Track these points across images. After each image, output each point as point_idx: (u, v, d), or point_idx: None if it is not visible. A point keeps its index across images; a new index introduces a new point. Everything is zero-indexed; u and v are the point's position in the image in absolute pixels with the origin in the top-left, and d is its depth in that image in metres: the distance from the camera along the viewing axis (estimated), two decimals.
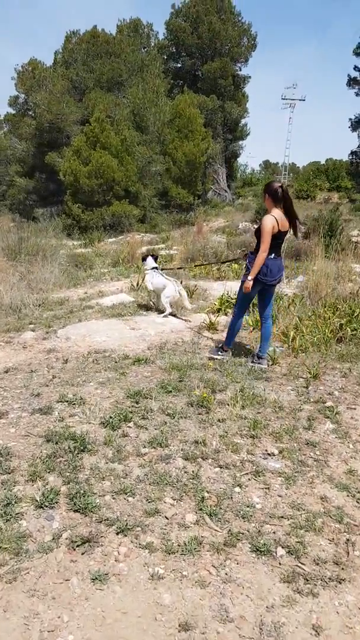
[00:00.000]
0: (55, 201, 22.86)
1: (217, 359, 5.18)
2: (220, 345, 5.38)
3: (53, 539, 2.58)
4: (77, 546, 2.52)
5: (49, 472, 3.15)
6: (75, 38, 24.97)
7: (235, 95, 31.59)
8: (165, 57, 30.61)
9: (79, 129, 20.49)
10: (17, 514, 2.75)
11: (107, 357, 5.37)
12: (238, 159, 39.17)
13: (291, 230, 4.95)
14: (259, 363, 5.10)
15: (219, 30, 28.94)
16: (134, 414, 3.92)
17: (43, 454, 3.36)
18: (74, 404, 4.14)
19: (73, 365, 5.22)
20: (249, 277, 4.78)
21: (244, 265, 5.20)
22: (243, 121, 33.88)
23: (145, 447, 3.45)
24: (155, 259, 7.40)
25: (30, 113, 25.29)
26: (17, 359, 5.52)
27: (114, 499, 2.91)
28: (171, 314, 6.99)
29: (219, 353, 5.27)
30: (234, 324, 5.23)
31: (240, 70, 32.55)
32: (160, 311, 7.13)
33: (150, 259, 7.32)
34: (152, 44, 28.27)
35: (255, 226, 5.79)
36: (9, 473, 3.16)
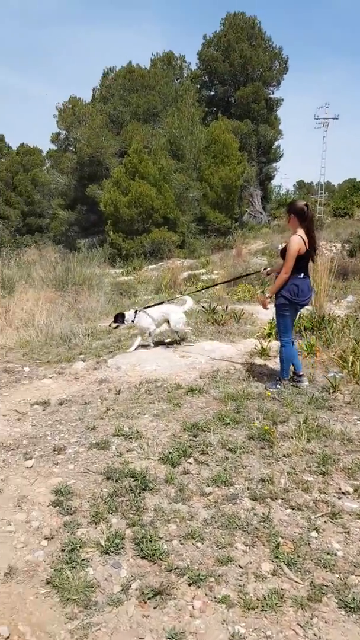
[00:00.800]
0: (96, 231, 23.40)
1: (273, 391, 4.96)
2: (277, 378, 5.12)
3: (122, 589, 2.44)
4: (149, 598, 2.37)
5: (111, 513, 3.03)
6: (111, 74, 25.92)
7: (268, 119, 31.79)
8: (199, 86, 31.22)
9: (118, 161, 21.05)
10: (82, 560, 2.63)
11: (159, 387, 5.26)
12: (272, 181, 39.25)
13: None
14: (274, 386, 4.99)
15: (250, 57, 29.34)
16: (193, 448, 3.77)
17: (104, 492, 3.25)
18: (131, 437, 4.03)
19: (126, 396, 5.14)
20: (267, 294, 4.82)
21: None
22: (276, 143, 34.06)
23: (209, 485, 3.28)
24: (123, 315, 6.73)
25: (71, 148, 26.27)
26: (70, 390, 5.50)
27: (182, 544, 2.74)
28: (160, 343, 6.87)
29: (277, 386, 5.00)
30: (285, 354, 5.00)
31: (273, 93, 32.89)
32: (170, 341, 6.92)
33: (126, 315, 6.70)
34: (185, 75, 28.96)
35: (281, 246, 5.67)
36: (71, 514, 3.06)
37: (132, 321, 6.68)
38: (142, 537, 2.75)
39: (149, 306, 6.91)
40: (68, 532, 2.88)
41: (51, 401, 5.12)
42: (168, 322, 6.71)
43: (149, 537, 2.75)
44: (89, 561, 2.63)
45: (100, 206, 19.84)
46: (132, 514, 3.00)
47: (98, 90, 26.26)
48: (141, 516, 2.98)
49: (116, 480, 3.37)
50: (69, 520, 2.98)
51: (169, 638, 2.16)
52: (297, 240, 4.57)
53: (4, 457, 3.83)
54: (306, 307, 5.41)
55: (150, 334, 6.75)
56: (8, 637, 2.17)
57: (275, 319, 5.18)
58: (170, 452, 3.67)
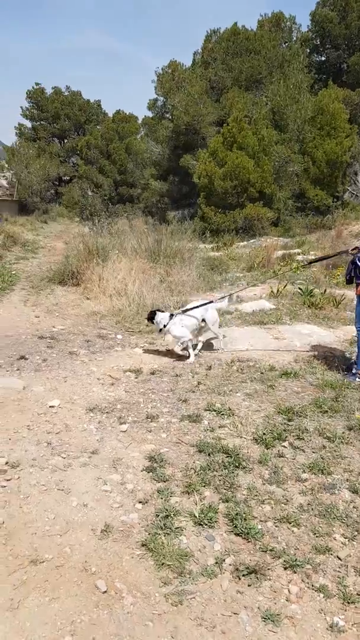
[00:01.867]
0: (186, 204, 23.31)
1: (357, 382, 4.71)
2: (355, 372, 4.82)
3: (216, 562, 2.46)
4: (243, 575, 2.37)
5: (204, 486, 3.05)
6: (215, 37, 25.10)
7: None
8: (309, 51, 29.51)
9: (215, 130, 20.58)
10: (176, 528, 2.68)
11: (252, 367, 5.20)
12: None
13: None
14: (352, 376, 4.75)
15: None
16: (288, 432, 3.69)
17: (196, 465, 3.28)
18: (223, 414, 4.03)
19: (217, 372, 5.14)
20: None
21: (352, 273, 4.79)
22: None
23: (304, 471, 3.21)
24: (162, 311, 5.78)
25: (168, 116, 26.04)
26: (161, 361, 5.59)
27: (276, 526, 2.71)
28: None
29: (357, 379, 4.74)
30: None
31: None
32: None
33: (159, 315, 5.66)
34: (294, 38, 27.40)
35: None
36: (165, 481, 3.12)
37: (164, 326, 5.58)
38: (236, 514, 2.75)
39: (190, 308, 5.74)
40: (162, 498, 2.94)
41: (143, 370, 5.25)
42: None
43: (243, 515, 2.75)
44: (182, 530, 2.68)
45: (193, 178, 19.62)
46: (225, 489, 3.01)
47: (199, 54, 25.59)
48: (234, 493, 2.98)
49: (209, 455, 3.39)
50: (163, 487, 3.05)
51: (264, 618, 2.15)
52: None
53: (99, 419, 3.99)
54: None
55: (185, 346, 5.67)
56: (105, 592, 2.27)
57: (357, 307, 4.86)
58: (264, 434, 3.62)
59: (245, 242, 16.13)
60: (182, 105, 21.15)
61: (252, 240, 16.26)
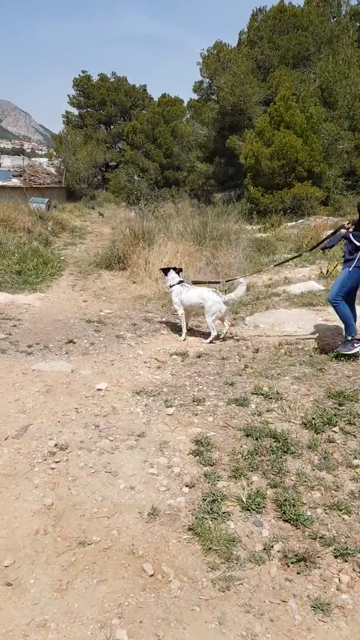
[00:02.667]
0: (233, 185, 22.94)
1: (352, 353, 4.62)
2: (350, 338, 4.69)
3: (264, 549, 2.41)
4: (292, 563, 2.31)
5: (251, 471, 3.00)
6: (261, 15, 24.37)
7: None
8: (359, 25, 28.15)
9: (262, 110, 20.06)
10: (223, 512, 2.65)
11: (300, 350, 5.06)
12: None
13: None
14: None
15: None
16: (338, 417, 3.56)
17: (244, 449, 3.23)
18: (271, 398, 3.94)
19: (264, 355, 5.04)
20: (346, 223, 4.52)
21: (347, 248, 4.62)
22: None
23: (356, 457, 3.08)
24: (179, 272, 6.02)
25: (213, 97, 25.61)
26: (207, 344, 5.54)
27: (326, 513, 2.62)
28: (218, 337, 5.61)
29: (355, 345, 4.64)
30: (342, 311, 4.69)
31: None
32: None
33: (172, 273, 5.94)
34: (343, 12, 26.15)
35: None
36: (212, 465, 3.09)
37: (170, 286, 5.91)
38: (285, 500, 2.68)
39: (197, 282, 6.10)
40: (208, 483, 2.92)
41: (189, 353, 5.22)
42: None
43: (292, 501, 2.68)
44: (229, 515, 2.65)
45: (239, 159, 19.24)
46: (273, 474, 2.95)
47: (245, 33, 24.95)
48: (283, 478, 2.91)
49: (256, 439, 3.33)
50: (209, 472, 3.02)
51: (313, 607, 2.09)
52: None
53: (146, 402, 4.00)
54: None
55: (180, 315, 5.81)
56: (152, 575, 2.27)
57: (346, 278, 4.64)
58: (313, 418, 3.51)
59: (293, 223, 15.69)
60: (227, 86, 20.72)
61: (300, 221, 15.80)
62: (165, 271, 6.08)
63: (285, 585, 2.21)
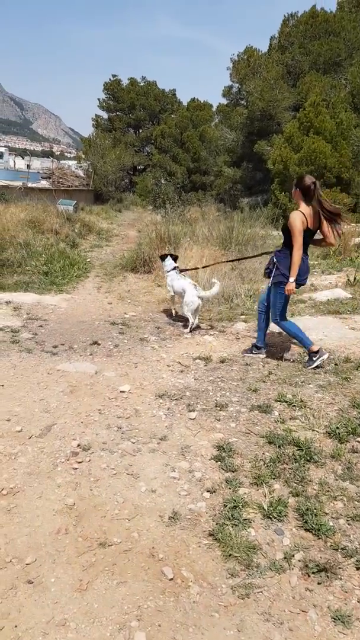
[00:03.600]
0: (260, 190, 22.86)
1: (314, 367, 4.70)
2: (312, 353, 4.76)
3: (285, 557, 2.39)
4: (313, 573, 2.29)
5: (273, 479, 2.98)
6: (292, 21, 24.32)
7: None
8: None
9: (291, 115, 19.99)
10: (244, 519, 2.64)
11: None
12: None
13: (328, 232, 4.65)
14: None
15: None
16: None
17: (266, 456, 3.21)
18: (294, 405, 3.91)
19: (288, 362, 5.00)
20: (291, 279, 4.55)
21: (271, 267, 4.81)
22: None
23: None
24: (175, 259, 6.79)
25: (243, 102, 25.64)
26: (231, 349, 5.53)
27: (349, 524, 2.59)
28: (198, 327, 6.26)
29: (320, 357, 4.71)
30: (290, 327, 4.89)
31: None
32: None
33: (169, 259, 6.73)
34: None
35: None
36: (233, 471, 3.08)
37: (167, 272, 6.68)
38: (307, 509, 2.66)
39: (183, 270, 6.75)
40: (230, 489, 2.91)
41: (212, 358, 5.21)
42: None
43: (314, 510, 2.65)
44: (250, 522, 2.63)
45: (267, 164, 19.19)
46: (295, 483, 2.92)
47: (276, 39, 24.94)
48: (305, 487, 2.88)
49: (279, 446, 3.30)
50: (231, 478, 3.01)
51: (334, 618, 2.07)
52: (299, 216, 4.50)
53: (168, 406, 4.01)
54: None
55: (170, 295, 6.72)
56: (172, 579, 2.28)
57: (272, 297, 4.88)
58: (337, 427, 3.46)
59: None
60: (257, 91, 20.73)
61: None
62: (163, 257, 6.84)
63: (306, 595, 2.19)
